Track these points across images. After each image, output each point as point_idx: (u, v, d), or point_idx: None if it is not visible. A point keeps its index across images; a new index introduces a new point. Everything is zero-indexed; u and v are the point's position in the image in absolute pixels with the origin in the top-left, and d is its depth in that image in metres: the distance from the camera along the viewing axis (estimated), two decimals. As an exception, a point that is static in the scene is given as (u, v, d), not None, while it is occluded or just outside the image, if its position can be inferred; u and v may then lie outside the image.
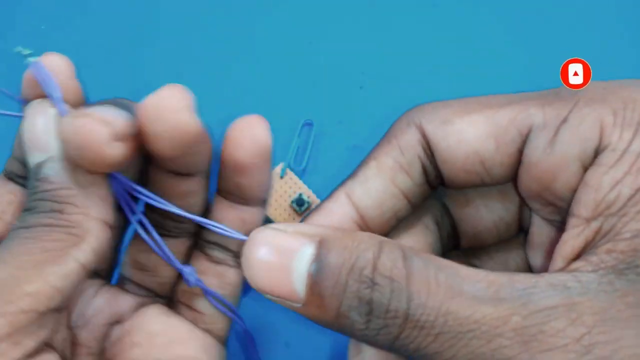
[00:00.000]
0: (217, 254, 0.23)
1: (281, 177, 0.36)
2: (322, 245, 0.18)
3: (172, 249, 0.23)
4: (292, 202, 0.35)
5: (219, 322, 0.24)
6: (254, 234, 0.19)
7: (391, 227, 0.22)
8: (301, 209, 0.35)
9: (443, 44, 0.39)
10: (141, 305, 0.23)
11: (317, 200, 0.35)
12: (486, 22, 0.40)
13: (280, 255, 0.18)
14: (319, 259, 0.17)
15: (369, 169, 0.23)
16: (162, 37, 0.39)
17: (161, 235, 0.22)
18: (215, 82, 0.38)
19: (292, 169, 0.36)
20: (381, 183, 0.22)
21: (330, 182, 0.36)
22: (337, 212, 0.22)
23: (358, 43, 0.39)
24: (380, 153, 0.23)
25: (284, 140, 0.37)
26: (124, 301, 0.23)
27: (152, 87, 0.38)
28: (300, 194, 0.35)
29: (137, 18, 0.39)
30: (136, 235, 0.23)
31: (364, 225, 0.22)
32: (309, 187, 0.36)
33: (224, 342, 0.24)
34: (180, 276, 0.24)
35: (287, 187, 0.36)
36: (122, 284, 0.24)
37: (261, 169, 0.22)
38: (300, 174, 0.36)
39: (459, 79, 0.38)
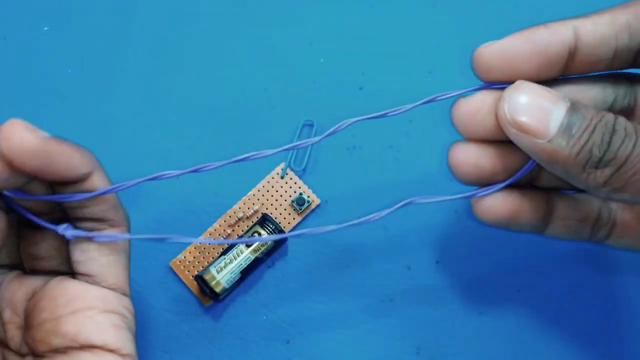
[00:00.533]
0: (89, 224, 0.26)
1: (282, 177, 0.36)
2: (575, 104, 0.24)
3: (51, 241, 0.27)
4: (293, 201, 0.36)
5: (111, 277, 0.26)
6: (520, 83, 0.25)
7: (586, 72, 0.26)
8: (301, 208, 0.35)
9: (442, 45, 0.39)
10: (47, 281, 0.27)
11: (318, 200, 0.36)
12: (485, 22, 0.40)
13: (543, 101, 0.24)
14: (574, 109, 0.24)
15: (602, 16, 0.25)
16: (163, 37, 0.39)
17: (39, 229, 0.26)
18: (216, 82, 0.38)
19: (292, 169, 0.36)
20: (608, 30, 0.25)
21: (330, 182, 0.36)
22: (560, 33, 0.25)
23: (358, 44, 0.39)
24: (616, 9, 0.25)
25: (285, 140, 0.37)
26: (33, 280, 0.27)
27: (153, 86, 0.39)
28: (301, 194, 0.36)
29: (138, 19, 0.40)
30: (22, 234, 0.27)
31: (570, 59, 0.25)
32: (309, 186, 0.36)
33: (126, 292, 0.27)
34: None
35: (287, 186, 0.36)
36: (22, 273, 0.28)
37: None
38: (301, 174, 0.36)
39: (459, 79, 0.38)
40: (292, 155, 0.36)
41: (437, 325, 0.34)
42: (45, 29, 0.40)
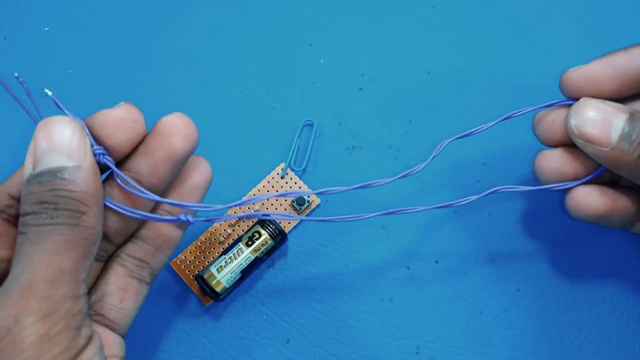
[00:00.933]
0: (139, 270, 0.28)
1: (282, 177, 0.36)
2: (634, 114, 0.27)
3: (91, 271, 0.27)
4: (293, 201, 0.36)
5: (127, 328, 0.28)
6: (584, 100, 0.28)
7: None
8: (301, 208, 0.36)
9: (441, 46, 0.39)
10: None
11: (318, 200, 0.36)
12: (484, 23, 0.40)
13: (604, 114, 0.27)
14: (633, 119, 0.27)
15: None
16: (162, 38, 0.40)
17: None
18: (216, 83, 0.39)
19: (292, 169, 0.36)
20: None
21: (330, 182, 0.37)
22: (639, 57, 0.28)
23: (357, 45, 0.39)
24: None
25: (285, 140, 0.37)
26: None
27: (153, 86, 0.39)
28: (301, 194, 0.36)
29: (137, 20, 0.40)
30: None
31: None
32: (309, 186, 0.36)
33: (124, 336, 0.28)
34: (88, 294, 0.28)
35: (287, 186, 0.36)
36: None
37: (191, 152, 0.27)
38: (301, 174, 0.37)
39: (457, 80, 0.39)
40: (292, 156, 0.37)
41: (436, 325, 0.34)
42: (46, 29, 0.40)
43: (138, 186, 0.25)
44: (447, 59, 0.39)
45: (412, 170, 0.29)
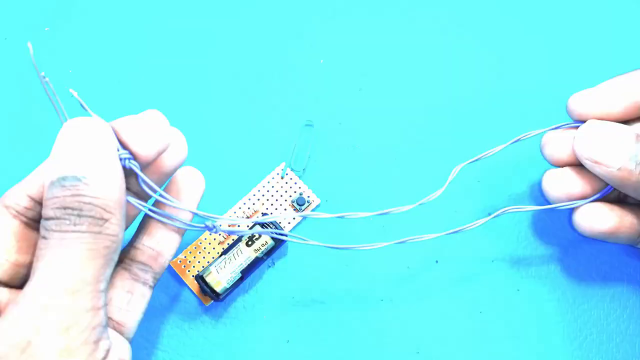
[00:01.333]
0: (143, 274, 0.28)
1: (282, 177, 0.36)
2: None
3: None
4: (293, 201, 0.36)
5: (133, 331, 0.28)
6: (591, 122, 0.29)
7: None
8: (302, 208, 0.36)
9: (442, 46, 0.39)
10: None
11: (318, 200, 0.36)
12: (484, 23, 0.40)
13: (611, 135, 0.28)
14: (639, 140, 0.28)
15: None
16: (162, 38, 0.39)
17: None
18: (216, 83, 0.39)
19: (292, 169, 0.36)
20: None
21: (330, 182, 0.37)
22: None
23: (358, 45, 0.39)
24: None
25: (285, 140, 0.37)
26: None
27: (153, 85, 0.39)
28: (301, 194, 0.36)
29: (137, 20, 0.40)
30: None
31: None
32: (309, 187, 0.36)
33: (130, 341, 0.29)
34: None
35: (287, 186, 0.36)
36: None
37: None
38: (301, 174, 0.37)
39: (457, 81, 0.39)
40: (292, 156, 0.37)
41: (437, 325, 0.34)
42: (46, 29, 0.40)
43: (165, 194, 0.26)
44: (447, 59, 0.39)
45: (429, 198, 0.30)
